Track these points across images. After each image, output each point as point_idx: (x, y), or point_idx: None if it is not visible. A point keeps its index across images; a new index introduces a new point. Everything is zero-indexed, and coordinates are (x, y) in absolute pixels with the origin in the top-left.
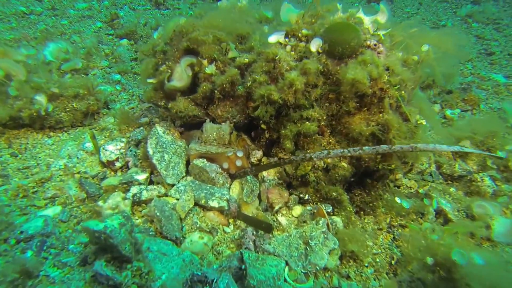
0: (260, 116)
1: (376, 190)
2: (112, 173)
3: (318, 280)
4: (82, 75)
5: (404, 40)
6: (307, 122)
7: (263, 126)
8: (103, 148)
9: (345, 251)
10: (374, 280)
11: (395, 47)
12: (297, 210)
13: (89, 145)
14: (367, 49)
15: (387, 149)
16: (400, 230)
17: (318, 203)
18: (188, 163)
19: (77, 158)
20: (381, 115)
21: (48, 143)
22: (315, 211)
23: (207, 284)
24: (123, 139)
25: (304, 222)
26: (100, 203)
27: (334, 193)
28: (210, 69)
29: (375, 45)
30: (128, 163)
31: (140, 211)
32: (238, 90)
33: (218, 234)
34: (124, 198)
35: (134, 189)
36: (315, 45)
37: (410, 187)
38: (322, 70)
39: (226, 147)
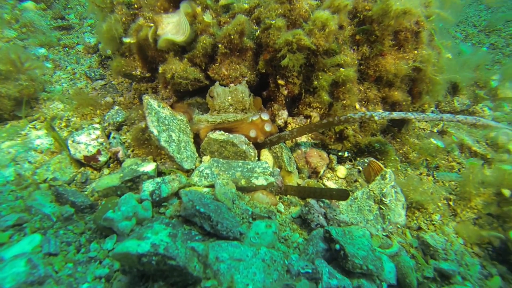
0: (289, 66)
1: (403, 136)
2: (96, 172)
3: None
4: None
5: None
6: (341, 69)
7: (281, 81)
8: (73, 141)
9: (410, 202)
10: (445, 225)
11: None
12: (342, 170)
13: (41, 141)
14: None
15: (451, 118)
16: (441, 170)
17: (363, 159)
18: (196, 140)
19: (29, 162)
20: (416, 51)
21: None
22: (363, 167)
23: (313, 281)
24: (96, 126)
25: (355, 181)
26: (111, 214)
27: (376, 144)
28: (208, 17)
29: None
30: (117, 155)
31: (164, 213)
32: (245, 43)
33: (277, 217)
34: (141, 200)
35: (148, 186)
36: None
37: (424, 129)
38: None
39: (244, 112)
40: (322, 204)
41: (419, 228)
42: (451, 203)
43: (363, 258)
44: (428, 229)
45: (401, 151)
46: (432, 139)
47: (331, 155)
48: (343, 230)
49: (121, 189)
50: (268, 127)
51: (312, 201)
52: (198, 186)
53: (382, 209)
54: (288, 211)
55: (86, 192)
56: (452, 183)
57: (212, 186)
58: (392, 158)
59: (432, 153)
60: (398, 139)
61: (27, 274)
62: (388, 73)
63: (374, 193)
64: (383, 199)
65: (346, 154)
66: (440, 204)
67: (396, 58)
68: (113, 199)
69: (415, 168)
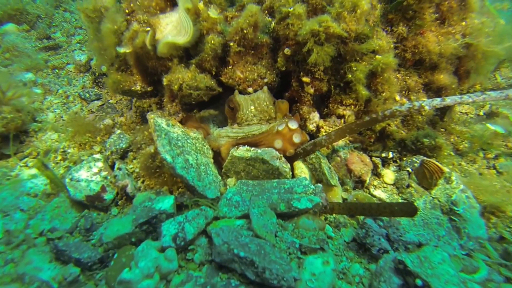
0: (317, 62)
1: (447, 125)
2: (103, 213)
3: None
4: None
5: None
6: (377, 56)
7: (305, 79)
8: (71, 179)
9: (483, 207)
10: None
11: None
12: (389, 175)
13: (35, 183)
14: None
15: None
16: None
17: (411, 158)
18: (216, 159)
19: (21, 210)
20: (464, 23)
21: None
22: (414, 168)
23: None
24: (97, 156)
25: (408, 187)
26: (127, 274)
27: (425, 139)
28: (213, 12)
29: None
30: (125, 189)
31: (192, 259)
32: (260, 38)
33: (329, 245)
34: (162, 249)
35: (169, 228)
36: None
37: (467, 113)
38: None
39: (268, 122)
40: (381, 223)
41: (501, 239)
42: None
43: None
44: None
45: (448, 142)
46: (488, 125)
47: (373, 158)
48: (418, 257)
49: (135, 235)
50: (297, 138)
51: (368, 221)
52: (229, 218)
53: (454, 220)
54: (339, 235)
55: (93, 241)
56: None
57: (245, 216)
58: (446, 153)
59: (487, 141)
60: (442, 129)
61: None
62: (431, 53)
63: (439, 201)
64: (454, 208)
65: (390, 155)
66: None
67: (439, 35)
68: (127, 250)
69: (470, 162)
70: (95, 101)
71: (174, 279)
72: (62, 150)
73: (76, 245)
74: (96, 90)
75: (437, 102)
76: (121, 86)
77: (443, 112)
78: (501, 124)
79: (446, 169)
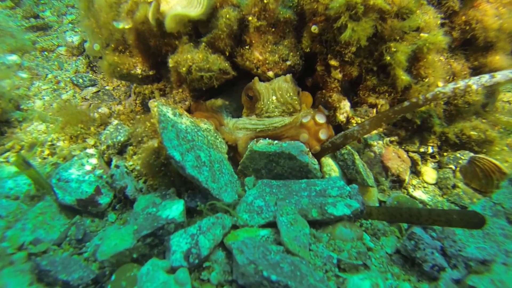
0: (351, 40)
1: (490, 115)
2: (98, 220)
3: None
4: None
5: None
6: (422, 34)
7: (333, 62)
8: (58, 180)
9: None
10: None
11: None
12: (430, 173)
13: (16, 182)
14: None
15: None
16: None
17: (454, 153)
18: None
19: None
20: None
21: None
22: (460, 165)
23: None
24: (91, 151)
25: (454, 187)
26: None
27: (473, 132)
28: None
29: None
30: (124, 191)
31: (208, 280)
32: (282, 13)
33: (372, 260)
34: (172, 270)
35: (179, 243)
36: None
37: (509, 101)
38: None
39: (291, 115)
40: (434, 234)
41: None
42: None
43: None
44: None
45: (502, 136)
46: None
47: (410, 153)
48: (493, 282)
49: (137, 250)
50: (323, 135)
51: (418, 230)
52: (250, 227)
53: None
54: (379, 245)
55: (85, 254)
56: None
57: (270, 225)
58: (498, 149)
59: None
60: (483, 120)
61: None
62: (487, 30)
63: (503, 207)
64: None
65: (430, 150)
66: None
67: (500, 6)
68: (128, 270)
69: None
70: (90, 88)
71: None
72: (50, 143)
73: (64, 263)
74: (90, 75)
75: (486, 79)
76: (118, 69)
77: (487, 100)
78: None
79: (505, 169)
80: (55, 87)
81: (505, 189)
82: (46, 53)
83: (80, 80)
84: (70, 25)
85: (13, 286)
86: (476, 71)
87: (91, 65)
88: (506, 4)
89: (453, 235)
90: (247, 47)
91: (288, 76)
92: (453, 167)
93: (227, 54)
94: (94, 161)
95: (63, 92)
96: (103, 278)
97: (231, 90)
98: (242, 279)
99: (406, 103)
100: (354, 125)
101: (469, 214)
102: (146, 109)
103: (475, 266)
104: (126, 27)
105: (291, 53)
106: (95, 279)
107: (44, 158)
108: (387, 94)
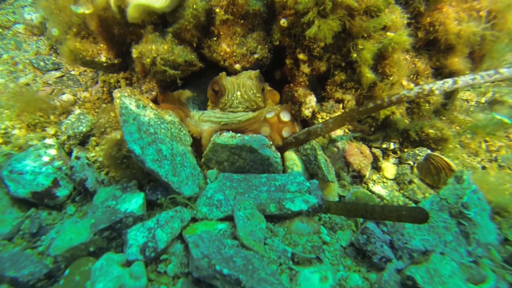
0: (317, 37)
1: (450, 113)
2: (56, 212)
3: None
4: None
5: None
6: (389, 33)
7: (302, 56)
8: (10, 172)
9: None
10: None
11: None
12: (390, 169)
13: None
14: None
15: None
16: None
17: (413, 150)
18: (195, 148)
19: None
20: None
21: None
22: (417, 162)
23: None
24: (50, 142)
25: (410, 183)
26: None
27: (431, 130)
28: None
29: None
30: (84, 183)
31: (165, 272)
32: (252, 5)
33: (326, 253)
34: (127, 263)
35: (136, 237)
36: None
37: (467, 100)
38: None
39: (254, 111)
40: (385, 229)
41: (506, 241)
42: None
43: None
44: None
45: (454, 134)
46: (495, 114)
47: (373, 149)
48: (428, 270)
49: (94, 243)
50: (287, 133)
51: (370, 225)
52: (209, 220)
53: (463, 224)
54: (335, 238)
55: (40, 248)
56: None
57: (228, 218)
58: (451, 146)
59: (491, 132)
60: (443, 118)
61: None
62: (449, 33)
63: (448, 202)
64: (464, 211)
65: (392, 146)
66: None
67: (460, 11)
68: (82, 264)
69: (472, 154)
70: (53, 72)
71: None
72: (3, 131)
73: (12, 259)
74: (54, 58)
75: (448, 85)
76: (81, 56)
77: (446, 99)
78: (505, 114)
79: (454, 166)
80: (12, 69)
81: (451, 185)
82: (0, 30)
83: (42, 63)
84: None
85: None
86: (438, 71)
87: (55, 47)
88: (465, 9)
89: (402, 229)
90: (214, 38)
91: (253, 72)
92: (411, 163)
93: (195, 45)
94: (52, 151)
95: (21, 75)
96: (57, 273)
97: (199, 81)
98: (196, 272)
99: (370, 104)
100: (320, 120)
101: (416, 210)
102: (113, 97)
103: (417, 256)
104: (86, 12)
105: (260, 46)
106: (49, 273)
107: None
108: (353, 90)
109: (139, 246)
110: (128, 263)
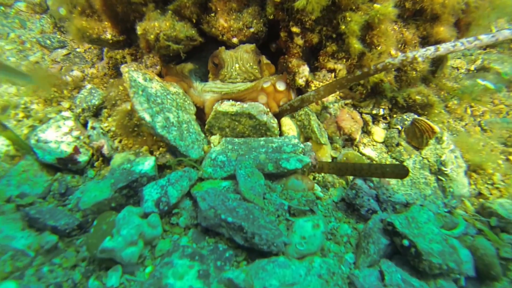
0: (306, 9)
1: (438, 80)
2: (78, 176)
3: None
4: None
5: None
6: (375, 5)
7: (295, 29)
8: (37, 141)
9: (467, 165)
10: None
11: None
12: (379, 132)
13: None
14: None
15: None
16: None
17: (401, 115)
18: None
19: None
20: None
21: None
22: (404, 126)
23: None
24: (67, 114)
25: (398, 145)
26: (109, 243)
27: (418, 97)
28: None
29: None
30: (101, 150)
31: (177, 223)
32: None
33: (319, 206)
34: (145, 215)
35: (151, 193)
36: None
37: (458, 68)
38: None
39: (252, 82)
40: (371, 184)
41: (479, 194)
42: (511, 157)
43: (441, 255)
44: (491, 194)
45: (439, 100)
46: (478, 80)
47: (363, 115)
48: (406, 218)
49: (115, 200)
50: (281, 101)
51: (359, 182)
52: (214, 179)
53: (441, 180)
54: (328, 194)
55: (69, 206)
56: (504, 131)
57: (231, 177)
58: (437, 111)
59: (476, 97)
60: (433, 85)
61: None
62: (434, 3)
63: (429, 161)
64: (443, 168)
65: (381, 112)
66: (500, 162)
67: None
68: (107, 216)
69: (458, 119)
70: (59, 50)
71: (159, 245)
72: (23, 106)
73: (50, 212)
74: (58, 36)
75: (431, 52)
76: (87, 34)
77: (436, 66)
78: (491, 80)
79: (437, 129)
80: (20, 47)
81: (432, 146)
82: (2, 7)
83: (48, 42)
84: None
85: (8, 230)
86: (425, 40)
87: (58, 25)
88: None
89: (387, 184)
90: (212, 14)
91: (249, 46)
92: (399, 127)
93: (194, 21)
94: (70, 123)
95: (30, 53)
96: (86, 224)
97: (200, 55)
98: (204, 222)
99: (358, 72)
100: (313, 88)
101: (398, 167)
102: (119, 73)
103: (399, 208)
104: None
105: (255, 21)
106: (80, 225)
107: (19, 121)
108: (344, 60)
109: (154, 201)
110: (145, 215)
